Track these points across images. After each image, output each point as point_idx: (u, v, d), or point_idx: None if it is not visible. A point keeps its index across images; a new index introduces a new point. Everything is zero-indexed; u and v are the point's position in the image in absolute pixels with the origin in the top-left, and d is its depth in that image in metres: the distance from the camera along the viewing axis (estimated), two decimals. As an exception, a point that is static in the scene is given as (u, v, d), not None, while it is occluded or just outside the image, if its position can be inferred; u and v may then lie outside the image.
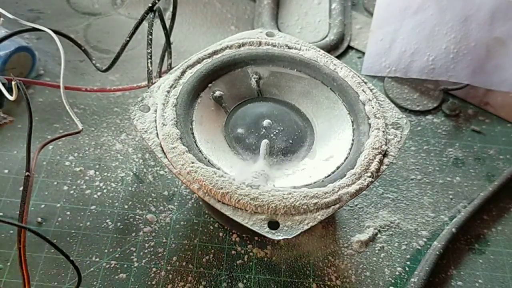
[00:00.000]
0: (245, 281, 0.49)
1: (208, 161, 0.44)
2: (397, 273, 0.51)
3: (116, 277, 0.49)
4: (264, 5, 0.74)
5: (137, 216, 0.53)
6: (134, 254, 0.50)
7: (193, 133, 0.46)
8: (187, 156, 0.43)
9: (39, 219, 0.52)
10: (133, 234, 0.52)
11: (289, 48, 0.53)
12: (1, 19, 0.59)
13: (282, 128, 0.50)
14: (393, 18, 0.67)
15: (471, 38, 0.62)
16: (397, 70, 0.67)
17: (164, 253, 0.51)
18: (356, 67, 0.69)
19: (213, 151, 0.46)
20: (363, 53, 0.70)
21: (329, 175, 0.44)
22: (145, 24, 0.53)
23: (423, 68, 0.65)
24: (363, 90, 0.50)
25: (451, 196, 0.57)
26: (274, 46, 0.53)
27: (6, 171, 0.55)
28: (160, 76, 0.55)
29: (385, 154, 0.46)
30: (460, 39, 0.62)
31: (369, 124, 0.47)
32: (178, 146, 0.44)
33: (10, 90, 0.48)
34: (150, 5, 0.52)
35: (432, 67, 0.65)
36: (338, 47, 0.71)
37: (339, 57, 0.70)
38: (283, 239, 0.40)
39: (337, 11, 0.74)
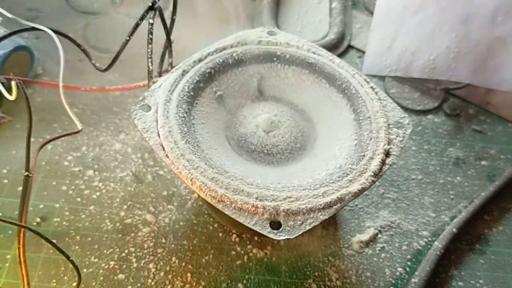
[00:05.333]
0: (244, 281, 0.49)
1: (209, 160, 0.44)
2: (397, 273, 0.51)
3: (115, 277, 0.49)
4: (264, 4, 0.74)
5: (136, 217, 0.53)
6: (133, 254, 0.50)
7: (194, 133, 0.46)
8: (188, 156, 0.43)
9: (38, 219, 0.52)
10: (132, 235, 0.51)
11: (290, 47, 0.53)
12: (0, 18, 0.59)
13: (283, 128, 0.50)
14: (394, 17, 0.67)
15: (472, 37, 0.62)
16: (398, 70, 0.67)
17: (164, 253, 0.50)
18: (356, 67, 0.68)
19: (215, 150, 0.46)
20: (364, 53, 0.70)
21: (331, 175, 0.44)
22: (144, 23, 0.53)
23: (424, 67, 0.65)
24: (364, 90, 0.49)
25: (452, 196, 0.57)
26: (276, 45, 0.53)
27: (4, 171, 0.55)
28: (160, 76, 0.54)
29: (387, 154, 0.45)
30: (461, 38, 0.62)
31: (371, 124, 0.47)
32: (179, 145, 0.44)
33: (9, 90, 0.48)
34: (150, 4, 0.52)
35: (432, 66, 0.64)
36: (339, 46, 0.71)
37: (339, 56, 0.69)
38: (285, 239, 0.40)
39: (337, 10, 0.74)
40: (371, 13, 0.73)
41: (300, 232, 0.40)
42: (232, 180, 0.42)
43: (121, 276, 0.49)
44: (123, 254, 0.50)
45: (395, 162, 0.58)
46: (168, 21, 0.54)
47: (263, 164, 0.48)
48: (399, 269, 0.51)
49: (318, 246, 0.52)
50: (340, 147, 0.47)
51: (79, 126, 0.50)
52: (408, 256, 0.52)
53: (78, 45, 0.57)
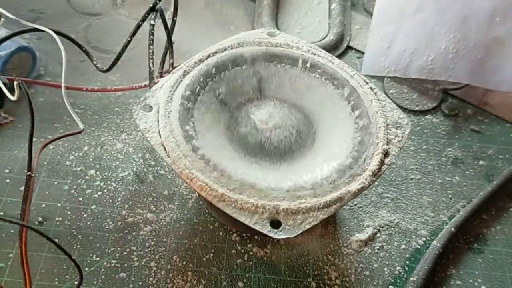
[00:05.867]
0: (245, 280, 0.50)
1: (210, 160, 0.44)
2: (396, 272, 0.51)
3: (117, 276, 0.49)
4: (264, 5, 0.74)
5: (137, 216, 0.53)
6: (135, 253, 0.51)
7: (195, 133, 0.47)
8: (189, 156, 0.43)
9: (40, 219, 0.52)
10: (134, 234, 0.52)
11: (290, 47, 0.53)
12: (2, 19, 0.59)
13: (283, 127, 0.50)
14: (393, 18, 0.67)
15: (470, 38, 0.62)
16: (397, 70, 0.67)
17: (165, 252, 0.51)
18: (355, 67, 0.69)
19: (215, 150, 0.46)
20: (363, 53, 0.71)
21: (331, 174, 0.45)
22: (145, 24, 0.53)
23: (423, 68, 0.65)
24: (364, 90, 0.50)
25: (450, 196, 0.57)
26: (276, 46, 0.53)
27: (6, 170, 0.55)
28: (161, 76, 0.55)
29: (386, 154, 0.46)
30: (459, 39, 0.63)
31: (370, 124, 0.47)
32: (180, 145, 0.44)
33: (11, 90, 0.48)
34: (151, 5, 0.53)
35: (431, 67, 0.65)
36: (338, 47, 0.71)
37: (338, 57, 0.69)
38: (285, 238, 0.40)
39: (336, 11, 0.74)
40: (370, 14, 0.74)
41: (300, 231, 0.41)
42: (232, 179, 0.43)
43: (122, 274, 0.49)
44: (125, 253, 0.50)
45: (394, 162, 0.59)
46: (169, 22, 0.55)
47: (263, 163, 0.48)
48: (398, 268, 0.51)
49: (318, 245, 0.52)
50: (339, 147, 0.48)
51: (81, 126, 0.50)
52: (407, 255, 0.52)
53: (80, 46, 0.58)
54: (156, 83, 0.50)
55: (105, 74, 0.58)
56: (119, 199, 0.54)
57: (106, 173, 0.56)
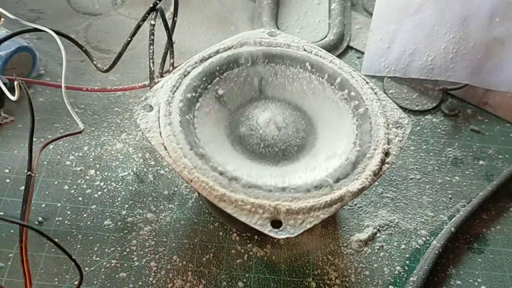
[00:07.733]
0: (245, 280, 0.50)
1: (211, 160, 0.44)
2: (396, 272, 0.51)
3: (117, 276, 0.49)
4: (264, 5, 0.74)
5: (137, 216, 0.53)
6: (135, 253, 0.51)
7: (196, 132, 0.47)
8: (190, 155, 0.43)
9: (40, 219, 0.52)
10: (134, 234, 0.52)
11: (290, 47, 0.53)
12: (2, 19, 0.59)
13: (284, 127, 0.50)
14: (393, 18, 0.67)
15: (470, 38, 0.62)
16: (397, 70, 0.67)
17: (165, 252, 0.51)
18: (355, 67, 0.69)
19: (216, 150, 0.46)
20: (363, 53, 0.71)
21: (331, 174, 0.44)
22: (145, 24, 0.53)
23: (422, 68, 0.65)
24: (364, 90, 0.50)
25: (450, 196, 0.57)
26: (276, 46, 0.53)
27: (7, 170, 0.55)
28: (162, 76, 0.55)
29: (387, 153, 0.46)
30: (459, 39, 0.63)
31: (371, 123, 0.47)
32: (181, 145, 0.44)
33: (11, 90, 0.48)
34: (152, 5, 0.53)
35: (431, 67, 0.65)
36: (338, 47, 0.72)
37: (338, 57, 0.69)
38: (285, 238, 0.40)
39: (336, 11, 0.74)
40: (370, 14, 0.74)
41: (301, 231, 0.41)
42: (233, 179, 0.43)
43: (122, 274, 0.49)
44: (125, 253, 0.50)
45: (395, 162, 0.59)
46: (169, 22, 0.55)
47: (264, 163, 0.48)
48: (398, 267, 0.51)
49: (318, 245, 0.53)
50: (340, 147, 0.48)
51: (81, 126, 0.50)
52: (407, 255, 0.52)
53: (80, 46, 0.58)
54: (156, 83, 0.50)
55: (105, 74, 0.58)
56: (119, 199, 0.54)
57: (106, 173, 0.56)
